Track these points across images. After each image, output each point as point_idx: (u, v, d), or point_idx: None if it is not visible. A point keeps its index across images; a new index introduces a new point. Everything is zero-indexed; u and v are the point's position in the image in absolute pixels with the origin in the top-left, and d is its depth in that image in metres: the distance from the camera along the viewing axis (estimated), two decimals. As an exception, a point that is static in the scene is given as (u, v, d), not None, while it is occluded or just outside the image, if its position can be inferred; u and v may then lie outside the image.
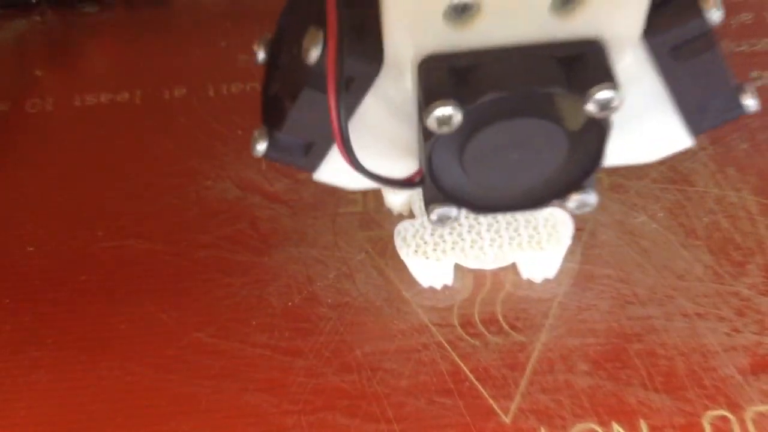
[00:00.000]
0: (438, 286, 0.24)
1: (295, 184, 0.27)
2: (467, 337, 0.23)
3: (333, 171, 0.20)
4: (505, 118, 0.17)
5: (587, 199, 0.20)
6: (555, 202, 0.20)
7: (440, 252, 0.23)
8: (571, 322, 0.23)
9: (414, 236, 0.24)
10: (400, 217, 0.26)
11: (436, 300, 0.24)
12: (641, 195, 0.26)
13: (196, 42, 0.33)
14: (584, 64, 0.17)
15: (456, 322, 0.23)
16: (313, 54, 0.17)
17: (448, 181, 0.19)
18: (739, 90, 0.19)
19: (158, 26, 0.34)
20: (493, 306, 0.24)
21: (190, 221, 0.26)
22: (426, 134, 0.18)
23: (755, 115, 0.28)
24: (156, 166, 0.28)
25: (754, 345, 0.22)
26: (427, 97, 0.17)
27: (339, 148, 0.18)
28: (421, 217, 0.24)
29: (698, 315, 0.23)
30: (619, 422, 0.21)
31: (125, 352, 0.23)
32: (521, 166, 0.19)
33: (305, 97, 0.18)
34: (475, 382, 0.22)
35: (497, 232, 0.23)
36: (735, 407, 0.21)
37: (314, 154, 0.20)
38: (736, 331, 0.23)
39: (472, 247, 0.23)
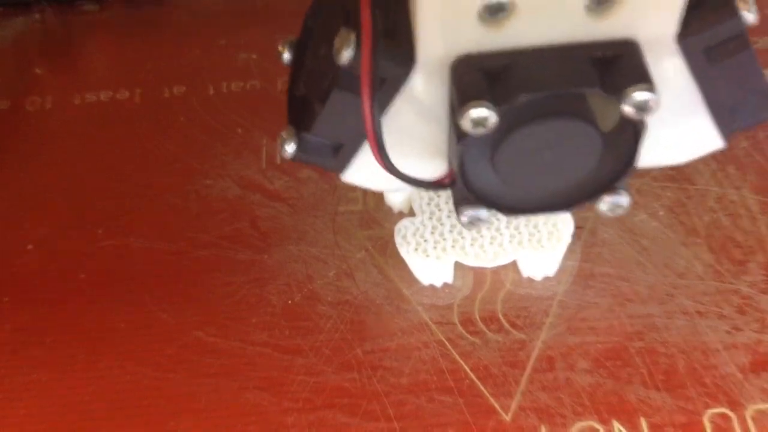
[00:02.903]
0: (438, 284, 0.24)
1: (295, 182, 0.27)
2: (467, 335, 0.23)
3: (361, 172, 0.20)
4: (540, 119, 0.17)
5: (620, 200, 0.19)
6: (587, 203, 0.20)
7: (440, 250, 0.23)
8: (571, 320, 0.23)
9: (414, 234, 0.23)
10: (400, 216, 0.26)
11: (437, 298, 0.24)
12: (641, 193, 0.26)
13: (195, 40, 0.33)
14: (620, 64, 0.17)
15: (456, 320, 0.23)
16: (345, 55, 0.17)
17: (480, 182, 0.19)
18: None
19: (158, 24, 0.34)
20: (493, 304, 0.24)
21: (189, 220, 0.26)
22: (459, 135, 0.17)
23: (756, 113, 0.28)
24: (156, 164, 0.28)
25: (754, 343, 0.22)
26: (462, 98, 0.17)
27: (373, 151, 0.18)
28: (421, 215, 0.24)
29: (699, 313, 0.23)
30: (620, 420, 0.21)
31: (125, 351, 0.23)
32: (554, 168, 0.18)
33: (336, 99, 0.18)
34: (476, 380, 0.22)
35: (497, 230, 0.23)
36: (735, 405, 0.21)
37: (343, 155, 0.20)
38: (737, 329, 0.23)
39: (472, 245, 0.23)
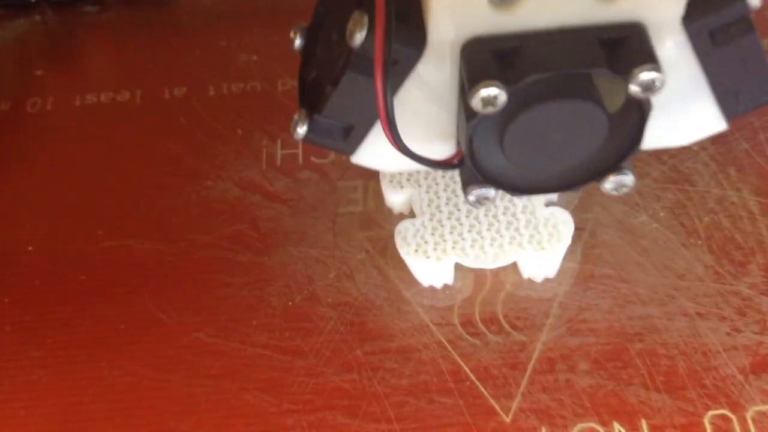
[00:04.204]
0: (438, 285, 0.24)
1: (295, 183, 0.27)
2: (468, 337, 0.23)
3: (371, 154, 0.21)
4: (548, 99, 0.18)
5: (624, 180, 0.20)
6: (592, 183, 0.20)
7: (441, 251, 0.23)
8: (571, 321, 0.23)
9: (414, 236, 0.23)
10: (401, 217, 0.25)
11: (437, 299, 0.24)
12: (642, 194, 0.26)
13: (196, 41, 0.33)
14: (627, 46, 0.17)
15: (456, 322, 0.23)
16: (358, 38, 0.17)
17: (487, 162, 0.20)
18: None
19: (158, 26, 0.34)
20: (493, 305, 0.24)
21: (190, 221, 0.26)
22: (469, 115, 0.18)
23: (756, 115, 0.28)
24: (156, 165, 0.28)
25: (755, 344, 0.22)
26: (472, 78, 0.17)
27: (384, 129, 0.18)
28: (421, 216, 0.24)
29: (699, 314, 0.23)
30: (620, 422, 0.21)
31: (125, 352, 0.23)
32: (561, 148, 0.19)
33: (348, 80, 0.18)
34: (476, 382, 0.22)
35: (498, 231, 0.23)
36: (736, 407, 0.21)
37: (353, 137, 0.20)
38: (737, 330, 0.23)
39: (472, 246, 0.23)
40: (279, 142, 0.28)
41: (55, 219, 0.27)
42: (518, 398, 0.22)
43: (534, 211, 0.24)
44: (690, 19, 0.18)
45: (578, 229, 0.24)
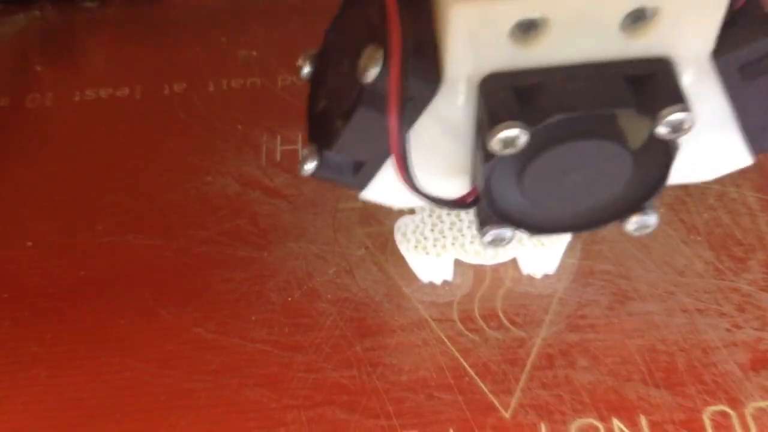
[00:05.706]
0: (438, 281, 0.24)
1: (295, 179, 0.27)
2: (467, 333, 0.23)
3: (382, 190, 0.20)
4: (570, 139, 0.17)
5: (647, 220, 0.19)
6: (614, 222, 0.19)
7: (440, 248, 0.23)
8: (571, 317, 0.23)
9: (414, 232, 0.23)
10: (400, 213, 0.25)
11: (436, 295, 0.24)
12: (642, 191, 0.26)
13: (196, 37, 0.32)
14: (654, 83, 0.16)
15: (456, 318, 0.23)
16: (372, 73, 0.16)
17: (504, 202, 0.19)
18: None
19: (158, 21, 0.34)
20: (493, 301, 0.24)
21: (189, 217, 0.26)
22: (487, 155, 0.17)
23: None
24: (156, 161, 0.28)
25: (754, 341, 0.22)
26: (492, 119, 0.16)
27: (398, 171, 0.17)
28: (421, 212, 0.24)
29: (698, 311, 0.23)
30: (619, 418, 0.21)
31: (124, 348, 0.23)
32: (582, 188, 0.18)
33: (360, 117, 0.17)
34: (475, 378, 0.22)
35: (497, 227, 0.23)
36: (735, 403, 0.21)
37: (364, 173, 0.19)
38: (737, 326, 0.23)
39: (472, 242, 0.23)
40: (279, 137, 0.28)
41: (55, 214, 0.27)
42: (517, 394, 0.22)
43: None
44: (720, 53, 0.17)
45: (578, 225, 0.24)
